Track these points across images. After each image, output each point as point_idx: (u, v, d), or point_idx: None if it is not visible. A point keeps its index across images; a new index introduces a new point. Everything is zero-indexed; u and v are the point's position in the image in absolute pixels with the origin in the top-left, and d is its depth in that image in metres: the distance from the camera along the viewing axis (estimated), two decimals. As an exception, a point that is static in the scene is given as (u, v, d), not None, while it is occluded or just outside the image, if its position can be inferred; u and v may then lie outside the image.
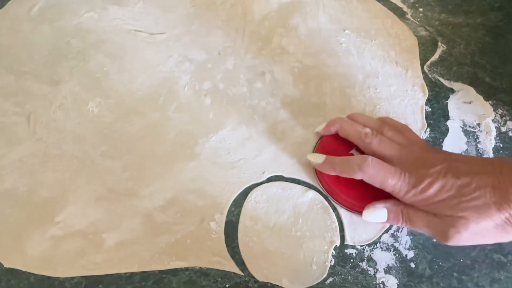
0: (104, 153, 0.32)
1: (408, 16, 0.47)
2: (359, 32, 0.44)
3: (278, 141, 0.34)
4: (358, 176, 0.27)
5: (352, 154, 0.32)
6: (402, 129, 0.31)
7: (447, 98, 0.39)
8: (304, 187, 0.32)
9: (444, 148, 0.36)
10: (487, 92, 0.40)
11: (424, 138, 0.36)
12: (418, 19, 0.47)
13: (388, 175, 0.27)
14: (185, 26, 0.42)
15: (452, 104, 0.39)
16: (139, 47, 0.40)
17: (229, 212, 0.30)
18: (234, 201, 0.30)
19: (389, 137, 0.30)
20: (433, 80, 0.41)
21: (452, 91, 0.40)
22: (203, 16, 0.43)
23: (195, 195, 0.30)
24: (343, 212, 0.31)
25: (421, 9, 0.48)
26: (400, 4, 0.48)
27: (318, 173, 0.32)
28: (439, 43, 0.45)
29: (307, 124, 0.36)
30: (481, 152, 0.36)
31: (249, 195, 0.31)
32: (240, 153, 0.33)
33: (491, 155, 0.35)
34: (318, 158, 0.30)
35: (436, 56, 0.44)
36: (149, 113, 0.35)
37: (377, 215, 0.28)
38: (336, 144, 0.32)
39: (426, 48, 0.44)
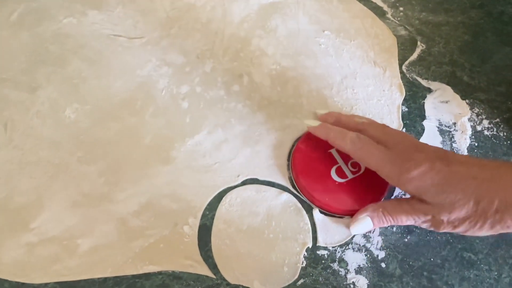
0: (80, 159, 0.32)
1: (388, 15, 0.47)
2: (338, 32, 0.44)
3: (254, 144, 0.34)
4: (346, 148, 0.29)
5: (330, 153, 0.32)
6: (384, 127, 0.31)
7: (424, 97, 0.39)
8: (278, 190, 0.32)
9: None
10: (465, 91, 0.40)
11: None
12: (398, 19, 0.47)
13: (375, 152, 0.27)
14: (164, 30, 0.42)
15: (429, 103, 0.39)
16: (118, 52, 0.39)
17: (203, 215, 0.30)
18: (209, 204, 0.31)
19: (373, 135, 0.29)
20: (411, 80, 0.41)
21: (429, 90, 0.40)
22: (183, 19, 0.43)
23: (170, 199, 0.30)
24: (316, 214, 0.31)
25: (401, 8, 0.48)
26: (381, 4, 0.48)
27: (293, 171, 0.32)
28: (419, 43, 0.45)
29: (283, 126, 0.36)
30: (455, 151, 0.36)
31: (224, 198, 0.31)
32: (216, 156, 0.33)
33: (465, 154, 0.36)
34: (314, 123, 0.32)
35: (414, 55, 0.43)
36: (126, 118, 0.35)
37: (363, 225, 0.28)
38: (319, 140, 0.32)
39: (405, 47, 0.44)
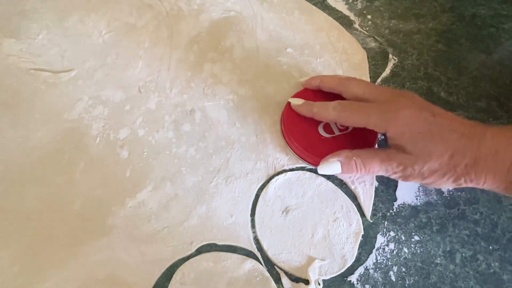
0: (-13, 241, 0.25)
1: (356, 25, 0.42)
2: (302, 49, 0.38)
3: (210, 198, 0.28)
4: (330, 116, 0.28)
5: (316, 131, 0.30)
6: None
7: (401, 121, 0.34)
8: (241, 256, 0.26)
9: (399, 185, 0.31)
10: (444, 110, 0.36)
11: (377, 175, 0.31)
12: (367, 28, 0.41)
13: (358, 108, 0.27)
14: (98, 59, 0.34)
15: (407, 128, 0.34)
16: (40, 91, 0.32)
17: (149, 303, 0.24)
18: (155, 286, 0.24)
19: (357, 92, 0.29)
20: (385, 101, 0.36)
21: (406, 112, 0.35)
22: (120, 44, 0.36)
23: (105, 285, 0.24)
24: (286, 283, 0.25)
25: (369, 16, 0.42)
26: (347, 12, 0.42)
27: (284, 127, 0.31)
28: (390, 55, 0.39)
29: (244, 172, 0.29)
30: (440, 184, 0.31)
31: (174, 276, 0.24)
32: (164, 219, 0.27)
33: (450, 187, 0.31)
34: (298, 101, 0.30)
35: (387, 71, 0.38)
36: (49, 178, 0.27)
37: (331, 168, 0.27)
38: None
39: (376, 62, 0.39)
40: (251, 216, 0.27)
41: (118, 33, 0.36)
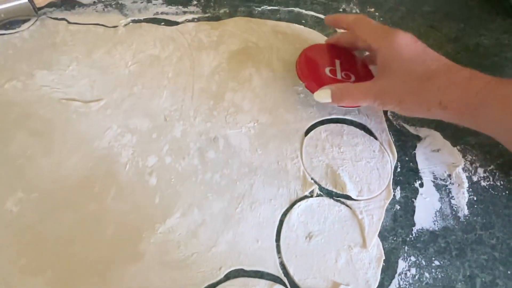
0: (23, 268, 0.25)
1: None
2: (317, 78, 0.40)
3: (236, 224, 0.29)
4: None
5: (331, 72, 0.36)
6: None
7: (414, 147, 0.36)
8: (268, 282, 0.26)
9: (417, 209, 0.32)
10: (454, 136, 0.37)
11: (396, 198, 0.32)
12: (377, 58, 0.44)
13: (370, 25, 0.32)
14: (125, 89, 0.36)
15: (420, 154, 0.35)
16: (71, 120, 0.33)
17: (181, 329, 0.24)
18: (187, 312, 0.25)
19: None
20: (398, 127, 0.37)
21: (418, 138, 0.37)
22: (146, 74, 0.38)
23: (139, 311, 0.25)
24: (314, 309, 0.26)
25: (378, 46, 0.45)
26: (357, 43, 0.45)
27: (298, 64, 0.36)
28: (400, 84, 0.41)
29: (268, 198, 0.30)
30: (455, 209, 0.32)
31: (205, 301, 0.25)
32: (193, 245, 0.27)
33: (466, 211, 0.32)
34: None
35: (399, 98, 0.40)
36: (82, 205, 0.28)
37: (323, 95, 0.32)
38: (316, 57, 0.37)
39: (387, 90, 0.41)
40: (276, 242, 0.28)
41: (143, 64, 0.38)
